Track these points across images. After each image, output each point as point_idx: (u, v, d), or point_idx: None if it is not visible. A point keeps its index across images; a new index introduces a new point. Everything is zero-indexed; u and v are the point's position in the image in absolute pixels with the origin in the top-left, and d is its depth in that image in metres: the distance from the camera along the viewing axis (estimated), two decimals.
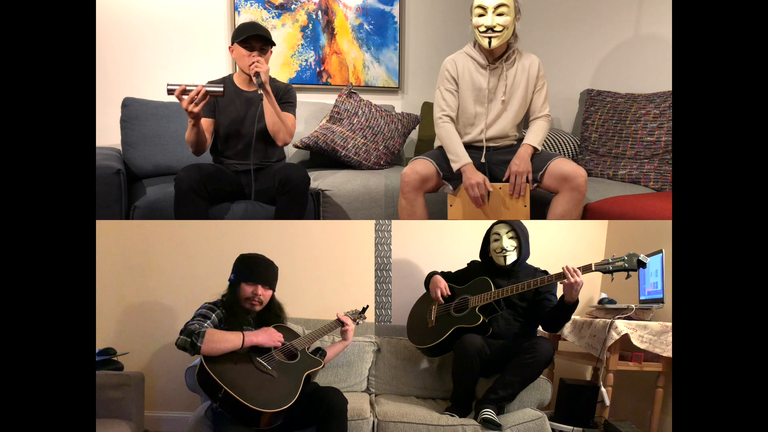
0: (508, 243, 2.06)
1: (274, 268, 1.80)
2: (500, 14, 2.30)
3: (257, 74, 2.25)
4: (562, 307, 1.87)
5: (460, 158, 2.37)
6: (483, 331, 1.98)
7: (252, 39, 2.33)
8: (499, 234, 2.08)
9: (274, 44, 2.40)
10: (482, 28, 2.32)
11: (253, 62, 2.27)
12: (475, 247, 2.26)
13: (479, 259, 2.21)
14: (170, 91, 2.07)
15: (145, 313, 2.45)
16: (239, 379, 1.55)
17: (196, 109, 2.10)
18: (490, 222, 2.15)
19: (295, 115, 2.50)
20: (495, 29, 2.31)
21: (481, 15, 2.32)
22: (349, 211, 2.74)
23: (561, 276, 1.83)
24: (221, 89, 2.13)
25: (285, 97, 2.48)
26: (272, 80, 2.49)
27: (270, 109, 2.32)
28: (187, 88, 2.07)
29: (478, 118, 2.46)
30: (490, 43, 2.32)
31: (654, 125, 2.86)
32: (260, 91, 2.26)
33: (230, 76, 2.52)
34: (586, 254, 2.65)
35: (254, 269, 1.77)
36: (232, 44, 2.38)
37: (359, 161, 3.08)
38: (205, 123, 2.39)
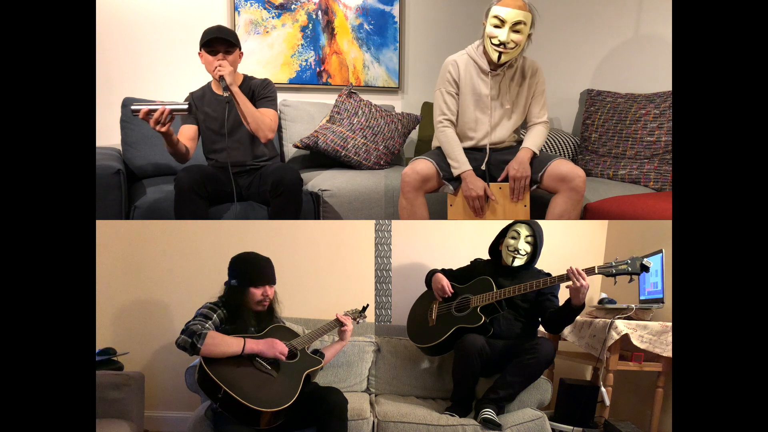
0: (524, 246, 2.05)
1: (272, 264, 1.80)
2: (516, 30, 2.24)
3: (221, 78, 2.21)
4: (567, 310, 1.86)
5: (460, 164, 2.37)
6: (484, 331, 1.98)
7: (214, 42, 2.29)
8: (518, 233, 2.07)
9: (237, 45, 2.36)
10: (495, 41, 2.25)
11: (216, 66, 2.24)
12: (475, 247, 2.26)
13: (484, 256, 2.21)
14: (134, 112, 2.05)
15: (145, 313, 2.45)
16: (239, 379, 1.55)
17: (163, 129, 2.09)
18: (491, 222, 2.15)
19: (276, 109, 2.46)
20: (508, 45, 2.24)
21: (497, 26, 2.25)
22: (349, 211, 2.74)
23: (565, 278, 1.82)
24: (186, 107, 2.09)
25: (263, 93, 2.45)
26: (248, 78, 2.49)
27: (243, 109, 2.29)
28: (151, 108, 2.04)
29: (479, 124, 2.45)
30: (499, 57, 2.28)
31: (654, 125, 2.86)
32: (226, 94, 2.24)
33: (209, 83, 2.52)
34: (586, 254, 2.65)
35: (259, 271, 1.75)
36: (200, 50, 2.33)
37: (359, 161, 3.08)
38: (190, 130, 2.41)
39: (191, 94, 2.51)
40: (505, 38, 2.23)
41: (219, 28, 2.35)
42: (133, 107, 2.06)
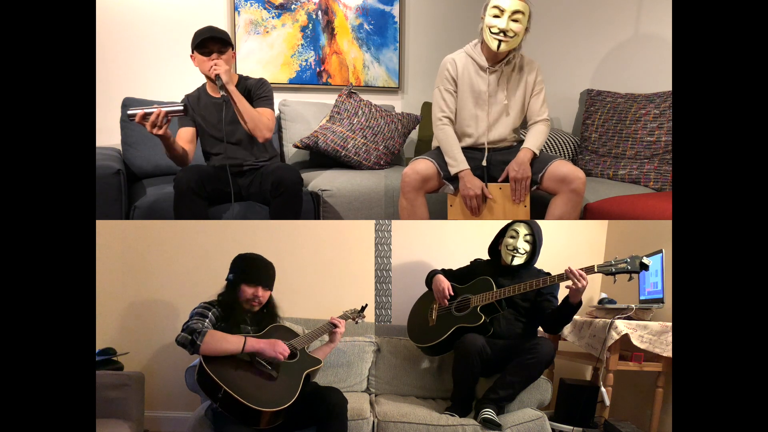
0: (523, 245, 2.06)
1: (273, 269, 1.81)
2: (515, 20, 2.27)
3: (218, 77, 2.19)
4: (565, 308, 1.87)
5: (458, 163, 2.37)
6: (484, 330, 1.98)
7: (208, 42, 2.27)
8: (517, 232, 2.07)
9: (231, 45, 2.34)
10: (495, 30, 2.28)
11: (211, 65, 2.22)
12: (475, 247, 2.25)
13: (484, 256, 2.21)
14: (131, 116, 2.05)
15: (145, 313, 2.45)
16: (239, 379, 1.55)
17: (160, 132, 2.08)
18: (491, 222, 2.15)
19: (272, 108, 2.44)
20: (507, 33, 2.27)
21: (496, 16, 2.28)
22: (349, 211, 2.74)
23: (565, 278, 1.82)
24: (182, 108, 2.10)
25: (258, 93, 2.42)
26: (244, 78, 2.46)
27: (240, 109, 2.27)
28: (147, 111, 2.03)
29: (478, 121, 2.45)
30: (498, 46, 2.29)
31: (654, 125, 2.86)
32: (222, 93, 2.22)
33: (204, 86, 2.49)
34: (586, 254, 2.65)
35: (255, 271, 1.77)
36: (192, 53, 2.31)
37: (359, 161, 3.08)
38: (188, 133, 2.39)
39: (187, 96, 2.49)
40: (505, 26, 2.27)
41: (210, 28, 2.32)
42: (129, 112, 2.06)
